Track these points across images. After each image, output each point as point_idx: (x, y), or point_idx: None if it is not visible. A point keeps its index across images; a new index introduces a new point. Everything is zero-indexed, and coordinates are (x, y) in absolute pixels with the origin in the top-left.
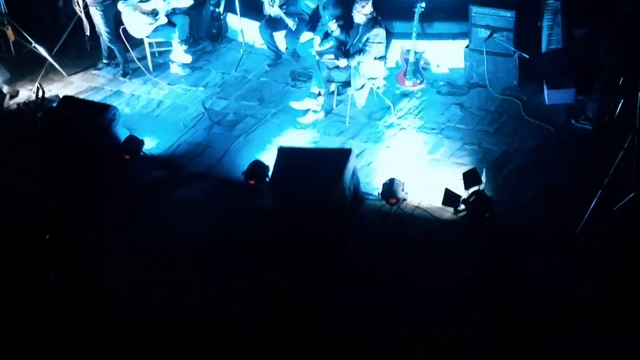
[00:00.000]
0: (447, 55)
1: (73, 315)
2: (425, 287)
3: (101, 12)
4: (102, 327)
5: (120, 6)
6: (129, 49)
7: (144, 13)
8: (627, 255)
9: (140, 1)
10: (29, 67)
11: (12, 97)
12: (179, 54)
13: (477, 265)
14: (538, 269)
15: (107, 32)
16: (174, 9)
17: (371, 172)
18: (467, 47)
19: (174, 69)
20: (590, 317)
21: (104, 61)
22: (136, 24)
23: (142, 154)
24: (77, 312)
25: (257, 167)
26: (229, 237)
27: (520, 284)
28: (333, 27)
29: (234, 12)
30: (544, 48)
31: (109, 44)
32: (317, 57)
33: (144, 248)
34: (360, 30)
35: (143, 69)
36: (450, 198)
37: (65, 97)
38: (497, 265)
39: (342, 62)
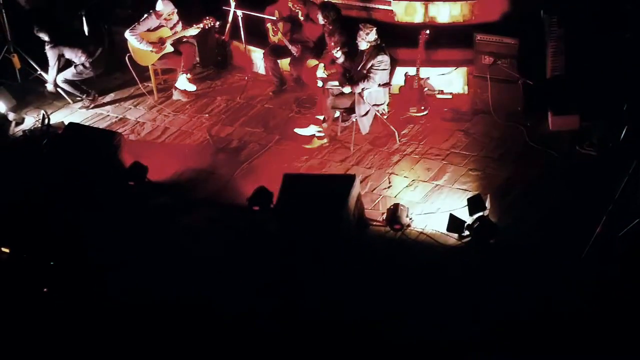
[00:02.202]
0: (451, 82)
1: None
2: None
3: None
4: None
5: (126, 34)
6: (136, 78)
7: (150, 42)
8: (632, 280)
9: (146, 30)
10: (34, 95)
11: (17, 124)
12: (184, 82)
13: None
14: (540, 291)
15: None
16: (179, 37)
17: (375, 198)
18: (471, 73)
19: (179, 96)
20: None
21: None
22: (142, 52)
23: (146, 180)
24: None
25: (262, 194)
26: None
27: (522, 303)
28: (338, 54)
29: (239, 40)
30: (548, 74)
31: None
32: (322, 84)
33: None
34: (364, 57)
35: (148, 96)
36: (454, 224)
37: (70, 124)
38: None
39: (347, 89)
